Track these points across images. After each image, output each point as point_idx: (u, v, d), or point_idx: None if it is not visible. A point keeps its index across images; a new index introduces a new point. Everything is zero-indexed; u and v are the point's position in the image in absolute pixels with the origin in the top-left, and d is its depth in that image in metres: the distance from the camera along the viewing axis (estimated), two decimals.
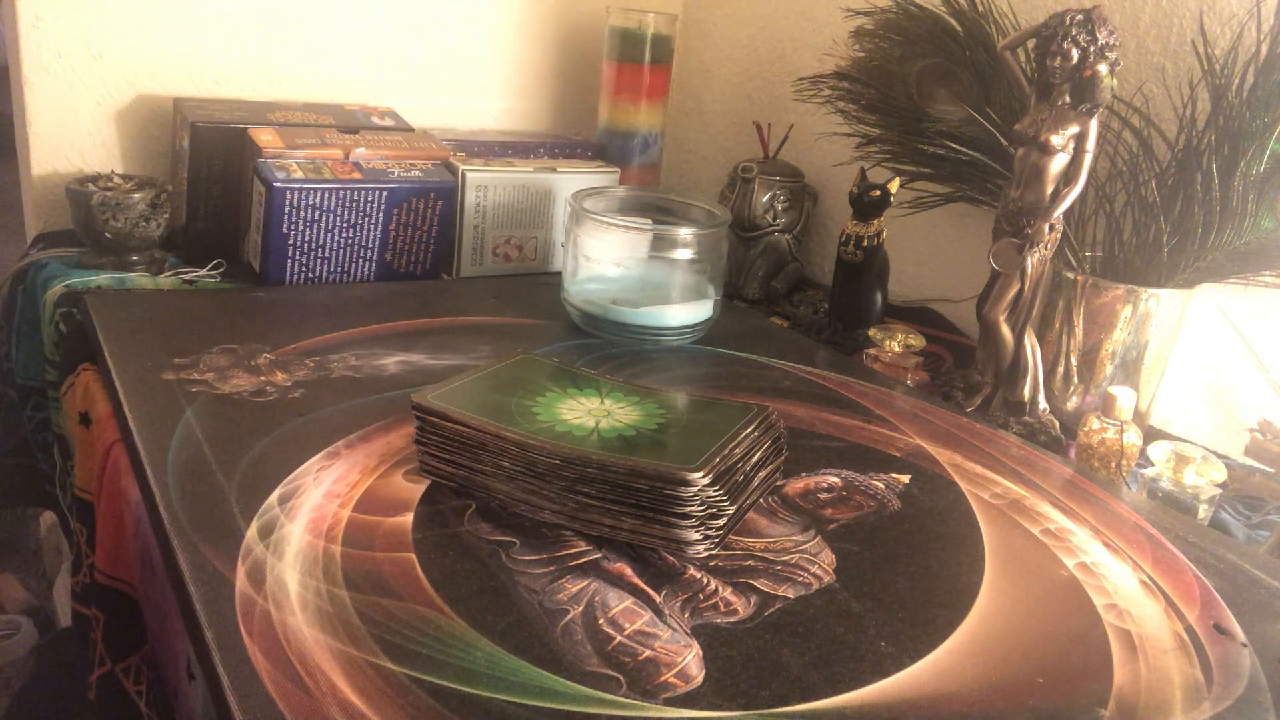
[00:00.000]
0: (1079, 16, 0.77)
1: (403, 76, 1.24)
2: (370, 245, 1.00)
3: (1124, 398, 0.75)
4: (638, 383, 0.72)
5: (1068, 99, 0.80)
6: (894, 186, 0.99)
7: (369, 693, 0.43)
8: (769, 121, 1.23)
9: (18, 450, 0.99)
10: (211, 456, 0.62)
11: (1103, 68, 0.77)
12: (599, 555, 0.57)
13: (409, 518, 0.58)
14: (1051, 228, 0.81)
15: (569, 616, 0.51)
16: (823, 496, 0.67)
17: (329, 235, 0.97)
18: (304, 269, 0.97)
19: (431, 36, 1.25)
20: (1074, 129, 0.79)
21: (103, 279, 0.94)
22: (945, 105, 0.97)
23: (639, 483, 0.57)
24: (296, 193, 0.93)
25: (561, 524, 0.59)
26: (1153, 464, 0.74)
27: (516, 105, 1.35)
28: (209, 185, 1.02)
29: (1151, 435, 0.84)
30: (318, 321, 0.87)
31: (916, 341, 0.96)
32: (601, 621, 0.51)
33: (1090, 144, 0.79)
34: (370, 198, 0.97)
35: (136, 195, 0.95)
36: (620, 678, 0.47)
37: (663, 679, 0.47)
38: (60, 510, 0.96)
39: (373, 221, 0.99)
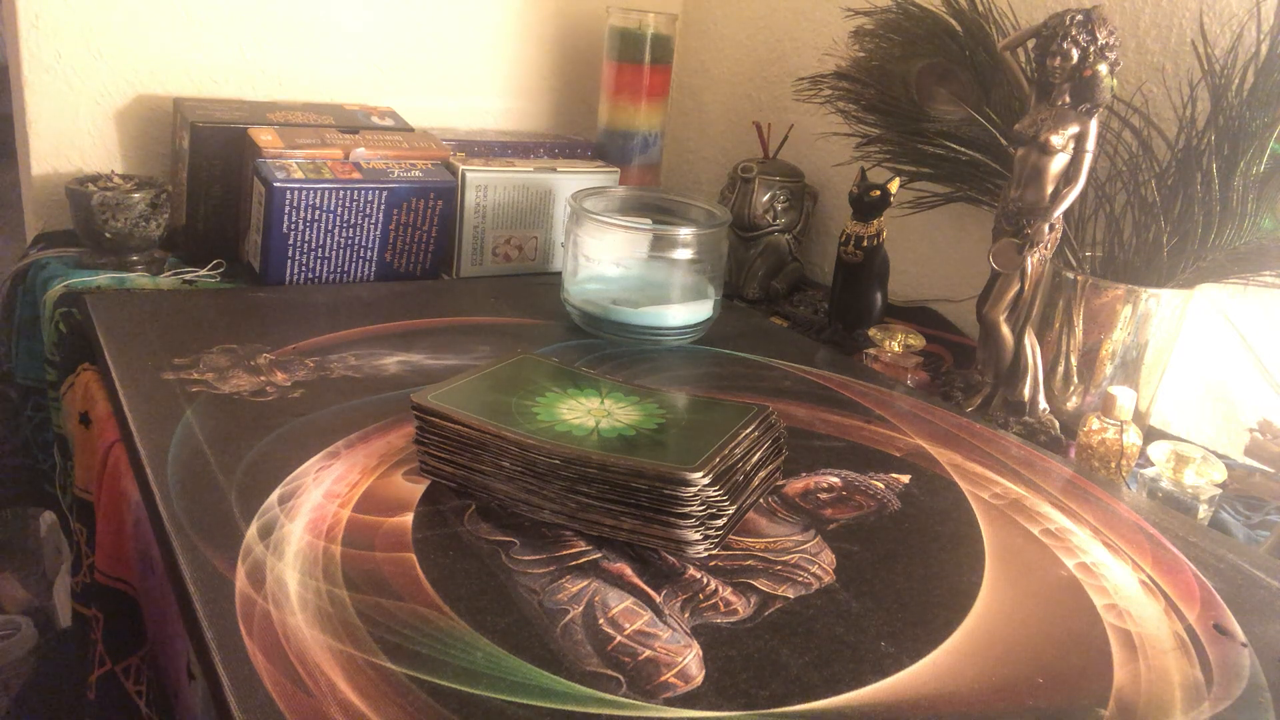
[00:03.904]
0: (1079, 16, 0.77)
1: (403, 76, 1.24)
2: (370, 245, 1.00)
3: (1124, 398, 0.75)
4: (638, 383, 0.72)
5: (1068, 99, 0.80)
6: (894, 186, 0.99)
7: (369, 693, 0.43)
8: (769, 121, 1.23)
9: (18, 450, 0.99)
10: (211, 456, 0.62)
11: (1103, 68, 0.77)
12: (599, 555, 0.57)
13: (409, 518, 0.58)
14: (1051, 228, 0.81)
15: (569, 616, 0.51)
16: (823, 496, 0.67)
17: (329, 235, 0.97)
18: (304, 269, 0.97)
19: (431, 36, 1.25)
20: (1074, 129, 0.79)
21: (103, 279, 0.94)
22: (945, 105, 0.97)
23: (639, 483, 0.57)
24: (296, 193, 0.93)
25: (561, 524, 0.59)
26: (1153, 464, 0.74)
27: (516, 105, 1.35)
28: (209, 185, 1.02)
29: (1151, 435, 0.84)
30: (318, 321, 0.87)
31: (916, 341, 0.96)
32: (601, 621, 0.51)
33: (1090, 144, 0.79)
34: (370, 198, 0.97)
35: (136, 195, 0.95)
36: (620, 678, 0.47)
37: (663, 679, 0.47)
38: (60, 510, 0.96)
39: (373, 221, 0.99)
